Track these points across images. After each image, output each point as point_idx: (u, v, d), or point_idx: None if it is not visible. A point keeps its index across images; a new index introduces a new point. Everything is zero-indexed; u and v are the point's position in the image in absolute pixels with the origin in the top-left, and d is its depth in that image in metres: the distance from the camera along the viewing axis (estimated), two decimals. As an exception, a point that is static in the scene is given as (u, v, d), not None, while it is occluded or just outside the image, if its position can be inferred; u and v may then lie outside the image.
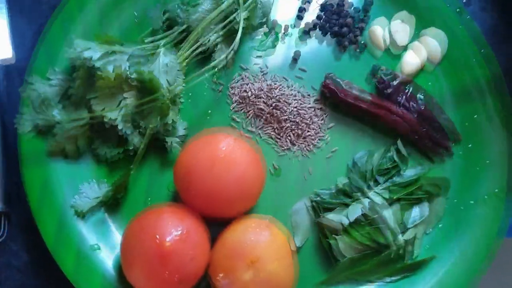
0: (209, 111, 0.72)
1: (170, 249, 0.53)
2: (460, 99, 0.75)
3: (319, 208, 0.67)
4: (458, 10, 0.78)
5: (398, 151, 0.70)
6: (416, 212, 0.67)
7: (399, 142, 0.71)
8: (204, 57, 0.73)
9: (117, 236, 0.65)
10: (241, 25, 0.72)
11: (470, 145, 0.74)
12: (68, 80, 0.68)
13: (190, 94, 0.73)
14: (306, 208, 0.68)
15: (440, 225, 0.69)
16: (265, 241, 0.57)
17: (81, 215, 0.64)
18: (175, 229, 0.55)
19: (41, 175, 0.65)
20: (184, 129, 0.70)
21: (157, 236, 0.53)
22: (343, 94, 0.71)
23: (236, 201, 0.58)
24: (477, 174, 0.72)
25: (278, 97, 0.72)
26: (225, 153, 0.58)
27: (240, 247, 0.56)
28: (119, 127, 0.65)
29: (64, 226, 0.64)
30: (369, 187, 0.68)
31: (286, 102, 0.71)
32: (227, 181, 0.57)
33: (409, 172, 0.70)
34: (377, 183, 0.69)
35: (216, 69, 0.73)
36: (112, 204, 0.66)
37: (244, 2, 0.75)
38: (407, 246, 0.65)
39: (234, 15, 0.73)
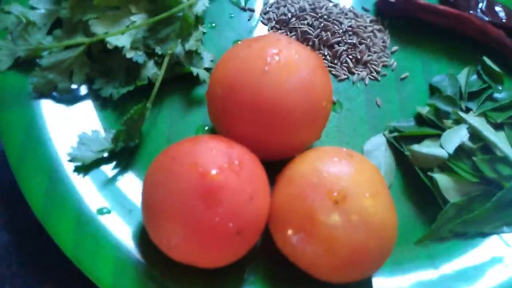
0: (239, 42, 0.57)
1: (220, 183, 0.35)
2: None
3: (400, 144, 0.51)
4: None
5: (485, 69, 0.56)
6: (529, 137, 0.52)
7: (485, 58, 0.56)
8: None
9: (132, 198, 0.46)
10: None
11: None
12: (56, 6, 0.53)
13: (213, 24, 0.58)
14: (386, 144, 0.52)
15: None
16: (351, 171, 0.40)
17: (83, 170, 0.47)
18: (223, 157, 0.37)
19: (22, 120, 0.47)
20: (211, 61, 0.54)
21: (199, 166, 0.36)
22: (411, 8, 0.56)
23: (302, 122, 0.41)
24: None
25: (325, 16, 0.57)
26: (282, 55, 0.42)
27: (316, 181, 0.39)
28: (128, 55, 0.49)
29: (58, 185, 0.45)
30: (462, 112, 0.52)
31: (337, 21, 0.57)
32: (287, 92, 0.40)
33: (504, 94, 0.55)
34: (468, 110, 0.53)
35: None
36: (124, 154, 0.48)
37: None
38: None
39: None
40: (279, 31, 0.57)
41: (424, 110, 0.52)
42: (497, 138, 0.48)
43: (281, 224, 0.40)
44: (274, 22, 0.57)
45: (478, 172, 0.47)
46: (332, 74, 0.55)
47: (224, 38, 0.56)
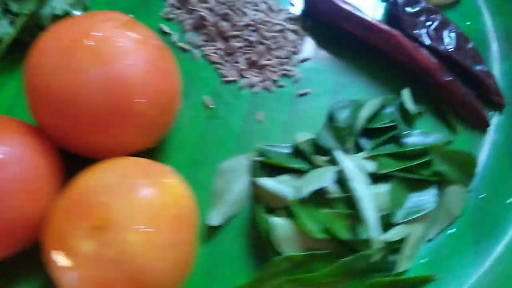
0: (132, 15, 0.50)
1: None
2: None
3: (258, 172, 0.44)
4: None
5: (402, 106, 0.46)
6: (414, 202, 0.42)
7: (406, 91, 0.46)
8: None
9: None
10: None
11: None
12: None
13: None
14: (243, 168, 0.44)
15: (452, 230, 0.43)
16: (134, 195, 0.33)
17: None
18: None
19: None
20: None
21: None
22: (331, 11, 0.47)
23: (103, 120, 0.34)
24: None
25: (231, 3, 0.49)
26: (99, 40, 0.34)
27: (86, 199, 0.34)
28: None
29: None
30: (346, 151, 0.44)
31: (241, 11, 0.48)
32: (87, 84, 0.33)
33: (415, 139, 0.45)
34: (359, 148, 0.44)
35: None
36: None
37: None
38: (388, 252, 0.41)
39: None
40: (177, 10, 0.49)
41: (305, 138, 0.44)
42: (364, 191, 0.39)
43: (45, 237, 0.35)
44: (175, -1, 0.50)
45: (329, 225, 0.39)
46: (220, 72, 0.47)
47: (113, 8, 0.50)
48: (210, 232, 0.41)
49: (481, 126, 0.47)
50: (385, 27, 0.45)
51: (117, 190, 0.33)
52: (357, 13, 0.46)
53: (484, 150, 0.45)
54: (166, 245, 0.33)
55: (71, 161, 0.38)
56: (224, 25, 0.47)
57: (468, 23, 0.51)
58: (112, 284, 0.31)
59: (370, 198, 0.39)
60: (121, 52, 0.34)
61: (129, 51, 0.35)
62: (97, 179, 0.33)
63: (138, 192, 0.33)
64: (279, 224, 0.39)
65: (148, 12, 0.49)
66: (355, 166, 0.40)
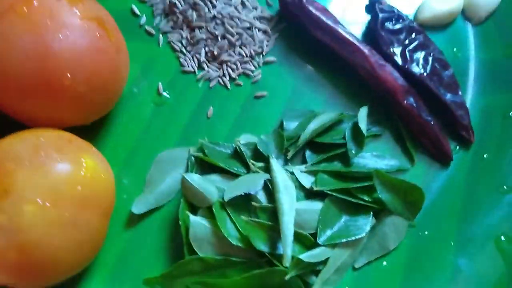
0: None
1: None
2: (494, 82, 0.46)
3: (194, 168, 0.42)
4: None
5: (357, 124, 0.43)
6: (346, 225, 0.39)
7: (363, 110, 0.44)
8: None
9: None
10: None
11: (485, 155, 0.44)
12: None
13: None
14: (181, 161, 0.43)
15: (383, 263, 0.41)
16: (47, 168, 0.32)
17: None
18: None
19: None
20: None
21: None
22: (305, 13, 0.45)
23: (30, 92, 0.33)
24: (485, 202, 0.42)
25: (203, -8, 0.47)
26: (36, 6, 0.33)
27: None
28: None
29: None
30: (287, 161, 0.42)
31: (211, 3, 0.47)
32: (25, 47, 0.32)
33: (365, 161, 0.42)
34: (305, 160, 0.42)
35: None
36: None
37: None
38: (306, 274, 0.38)
39: None
40: (153, -7, 0.49)
41: (246, 140, 0.42)
42: (291, 208, 0.37)
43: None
44: (153, -20, 0.49)
45: (246, 234, 0.37)
46: (181, 61, 0.46)
47: None
48: (132, 220, 0.40)
49: (442, 159, 0.44)
50: (353, 40, 0.43)
51: (26, 160, 0.32)
52: (329, 21, 0.44)
53: (439, 185, 0.43)
54: (65, 223, 0.32)
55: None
56: (192, 14, 0.46)
57: (454, 49, 0.48)
58: (1, 251, 0.31)
59: (293, 214, 0.36)
60: (56, 24, 0.34)
61: (66, 24, 0.35)
62: (11, 146, 0.33)
63: (46, 166, 0.32)
64: (199, 223, 0.37)
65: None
66: (288, 178, 0.38)
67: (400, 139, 0.44)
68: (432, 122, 0.42)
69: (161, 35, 0.47)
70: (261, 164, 0.40)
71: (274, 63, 0.46)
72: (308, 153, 0.42)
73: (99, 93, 0.37)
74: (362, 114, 0.42)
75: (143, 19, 0.47)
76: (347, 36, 0.43)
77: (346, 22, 0.47)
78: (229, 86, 0.45)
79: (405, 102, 0.42)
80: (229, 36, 0.45)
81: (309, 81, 0.46)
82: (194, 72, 0.45)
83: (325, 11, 0.45)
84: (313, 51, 0.47)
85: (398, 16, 0.47)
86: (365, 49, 0.43)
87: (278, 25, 0.48)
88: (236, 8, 0.46)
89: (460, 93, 0.45)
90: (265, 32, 0.47)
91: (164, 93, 0.45)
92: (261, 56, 0.46)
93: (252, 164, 0.40)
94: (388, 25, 0.46)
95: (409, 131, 0.44)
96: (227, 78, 0.45)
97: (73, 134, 0.37)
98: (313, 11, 0.44)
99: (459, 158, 0.44)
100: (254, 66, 0.46)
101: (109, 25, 0.39)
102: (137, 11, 0.48)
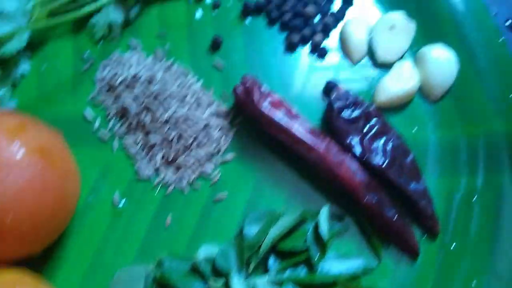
0: (59, 97, 0.48)
1: None
2: (456, 164, 0.46)
3: (159, 286, 0.40)
4: (486, 26, 0.50)
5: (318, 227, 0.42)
6: None
7: (324, 211, 0.43)
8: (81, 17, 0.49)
9: None
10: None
11: (452, 247, 0.44)
12: None
13: (45, 65, 0.49)
14: (139, 280, 0.41)
15: None
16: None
17: None
18: None
19: None
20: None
21: None
22: (256, 111, 0.44)
23: None
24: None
25: (157, 94, 0.46)
26: None
27: None
28: None
29: None
30: (248, 275, 0.40)
31: (164, 105, 0.46)
32: None
33: (329, 264, 0.41)
34: (262, 269, 0.41)
35: (93, 36, 0.50)
36: None
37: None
38: None
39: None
40: (105, 95, 0.48)
41: (205, 254, 0.41)
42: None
43: None
44: (104, 82, 0.48)
45: None
46: (137, 166, 0.45)
47: (45, 85, 0.47)
48: None
49: (410, 254, 0.43)
50: (308, 139, 0.42)
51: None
52: (282, 121, 0.43)
53: (408, 282, 0.42)
54: None
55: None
56: (145, 117, 0.45)
57: (414, 129, 0.48)
58: None
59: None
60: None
61: (5, 163, 0.33)
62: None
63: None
64: None
65: (76, 94, 0.48)
66: (248, 294, 0.37)
67: (365, 235, 0.43)
68: (395, 218, 0.41)
69: (115, 141, 0.46)
70: (221, 282, 0.38)
71: (232, 161, 0.46)
72: (271, 260, 0.40)
73: (44, 226, 0.36)
74: (323, 216, 0.41)
75: (97, 124, 0.46)
76: (302, 135, 0.42)
77: (305, 104, 0.47)
78: (186, 191, 0.44)
79: (365, 199, 0.41)
80: (184, 139, 0.44)
81: (269, 177, 0.45)
82: (150, 178, 0.44)
83: (279, 105, 0.45)
84: (272, 145, 0.46)
85: (354, 103, 0.46)
86: (321, 148, 0.42)
87: (235, 119, 0.47)
88: (190, 108, 0.46)
89: (422, 179, 0.44)
90: (221, 128, 0.46)
91: (121, 203, 0.43)
92: (218, 155, 0.46)
93: (213, 281, 0.38)
94: (345, 114, 0.46)
95: (373, 227, 0.43)
96: (185, 182, 0.44)
97: (20, 268, 0.36)
98: (265, 111, 0.43)
99: (427, 251, 0.42)
100: (212, 167, 0.45)
101: (55, 149, 0.37)
102: (90, 117, 0.47)
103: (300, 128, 0.43)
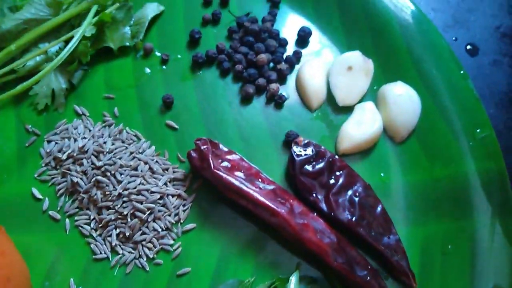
0: (4, 176, 0.45)
1: None
2: (427, 209, 0.44)
3: None
4: (445, 59, 0.48)
5: (290, 293, 0.40)
6: None
7: (294, 277, 0.40)
8: (22, 80, 0.45)
9: None
10: (77, 41, 0.44)
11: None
12: None
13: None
14: None
15: None
16: None
17: None
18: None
19: None
20: None
21: None
22: (214, 178, 0.41)
23: None
24: None
25: (107, 166, 0.44)
26: None
27: None
28: None
29: None
30: None
31: (115, 178, 0.43)
32: None
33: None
34: None
35: (35, 108, 0.47)
36: None
37: (97, 14, 0.49)
38: None
39: (76, 30, 0.47)
40: (52, 171, 0.44)
41: None
42: None
43: None
44: (50, 157, 0.45)
45: None
46: (92, 246, 0.42)
47: None
48: None
49: (387, 312, 0.41)
50: (270, 203, 0.40)
51: None
52: (243, 185, 0.40)
53: None
54: None
55: None
56: (97, 193, 0.42)
57: (382, 174, 0.46)
58: None
59: None
60: None
61: None
62: None
63: None
64: None
65: (22, 171, 0.44)
66: None
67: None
68: (368, 279, 0.39)
69: (67, 219, 0.43)
70: None
71: (194, 230, 0.43)
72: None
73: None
74: (294, 282, 0.39)
75: (46, 203, 0.43)
76: (262, 199, 0.40)
77: (266, 157, 0.45)
78: (147, 268, 0.41)
79: (335, 263, 0.39)
80: (139, 214, 0.41)
81: (235, 245, 0.42)
82: (108, 258, 0.41)
83: (238, 167, 0.42)
84: (235, 209, 0.43)
85: (316, 155, 0.44)
86: (284, 211, 0.39)
87: (193, 183, 0.45)
88: (144, 177, 0.43)
89: (393, 231, 0.42)
90: (179, 196, 0.43)
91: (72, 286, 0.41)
92: (178, 225, 0.43)
93: None
94: (308, 167, 0.44)
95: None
96: (145, 259, 0.41)
97: None
98: (223, 177, 0.41)
99: (406, 306, 0.41)
100: (173, 239, 0.42)
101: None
102: (38, 195, 0.44)
103: (260, 192, 0.40)
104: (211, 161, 0.41)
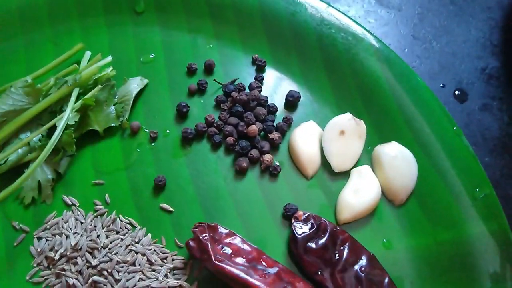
0: (-6, 278, 0.43)
1: None
2: (434, 277, 0.42)
3: None
4: (437, 116, 0.47)
5: None
6: None
7: None
8: (4, 176, 0.44)
9: None
10: (61, 131, 0.43)
11: None
12: None
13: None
14: None
15: None
16: None
17: None
18: None
19: None
20: None
21: None
22: (215, 268, 0.39)
23: None
24: None
25: (103, 265, 0.42)
26: None
27: None
28: None
29: None
30: None
31: (113, 276, 0.42)
32: None
33: None
34: None
35: (21, 202, 0.45)
36: None
37: (78, 99, 0.47)
38: None
39: (58, 118, 0.45)
40: (45, 271, 0.43)
41: None
42: None
43: None
44: (42, 256, 0.43)
45: None
46: None
47: None
48: None
49: None
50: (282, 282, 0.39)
51: None
52: (242, 274, 0.38)
53: None
54: None
55: None
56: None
57: (384, 239, 0.44)
58: None
59: None
60: None
61: None
62: None
63: None
64: None
65: (12, 274, 0.42)
66: None
67: None
68: None
69: (65, 324, 0.41)
70: None
71: (199, 322, 0.42)
72: None
73: None
74: None
75: (41, 308, 0.41)
76: (278, 278, 0.39)
77: (266, 232, 0.44)
78: None
79: None
80: (141, 314, 0.40)
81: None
82: None
83: (239, 253, 0.41)
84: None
85: (318, 228, 0.43)
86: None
87: (194, 269, 0.43)
88: (143, 272, 0.41)
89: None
90: (181, 287, 0.42)
91: None
92: (182, 318, 0.41)
93: None
94: (311, 245, 0.42)
95: None
96: None
97: None
98: (226, 267, 0.39)
99: None
100: (178, 334, 0.41)
101: None
102: (32, 299, 0.42)
103: (265, 281, 0.39)
104: (211, 253, 0.39)
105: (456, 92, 0.56)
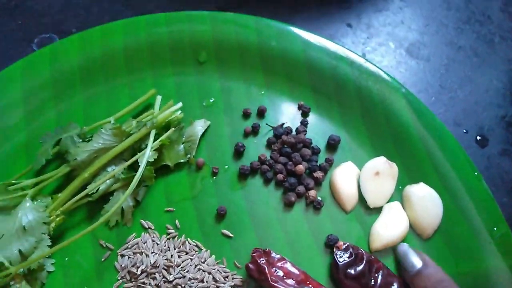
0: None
1: None
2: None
3: None
4: (460, 162, 0.55)
5: None
6: None
7: None
8: (94, 202, 0.53)
9: None
10: (143, 168, 0.52)
11: None
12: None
13: (65, 259, 0.54)
14: None
15: None
16: None
17: None
18: None
19: None
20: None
21: None
22: (272, 286, 0.47)
23: None
24: None
25: (177, 280, 0.50)
26: None
27: None
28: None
29: None
30: None
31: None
32: None
33: None
34: None
35: (108, 225, 0.55)
36: None
37: (156, 139, 0.57)
38: None
39: (140, 155, 0.55)
40: (128, 284, 0.52)
41: None
42: None
43: None
44: (125, 271, 0.52)
45: None
46: None
47: (69, 283, 0.52)
48: None
49: None
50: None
51: None
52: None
53: None
54: None
55: None
56: (168, 305, 0.49)
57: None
58: None
59: None
60: None
61: None
62: None
63: None
64: None
65: (102, 284, 0.51)
66: None
67: None
68: None
69: (144, 328, 0.50)
70: None
71: (255, 332, 0.49)
72: None
73: None
74: None
75: (125, 314, 0.50)
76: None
77: (311, 258, 0.51)
78: None
79: None
80: (208, 323, 0.48)
81: None
82: None
83: (289, 275, 0.48)
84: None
85: (356, 256, 0.51)
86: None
87: (250, 287, 0.52)
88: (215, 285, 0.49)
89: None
90: (240, 304, 0.50)
91: None
92: (241, 329, 0.49)
93: None
94: (350, 271, 0.50)
95: None
96: None
97: None
98: (281, 287, 0.47)
99: None
100: None
101: None
102: (117, 306, 0.51)
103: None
104: (268, 275, 0.48)
105: (478, 138, 0.63)
